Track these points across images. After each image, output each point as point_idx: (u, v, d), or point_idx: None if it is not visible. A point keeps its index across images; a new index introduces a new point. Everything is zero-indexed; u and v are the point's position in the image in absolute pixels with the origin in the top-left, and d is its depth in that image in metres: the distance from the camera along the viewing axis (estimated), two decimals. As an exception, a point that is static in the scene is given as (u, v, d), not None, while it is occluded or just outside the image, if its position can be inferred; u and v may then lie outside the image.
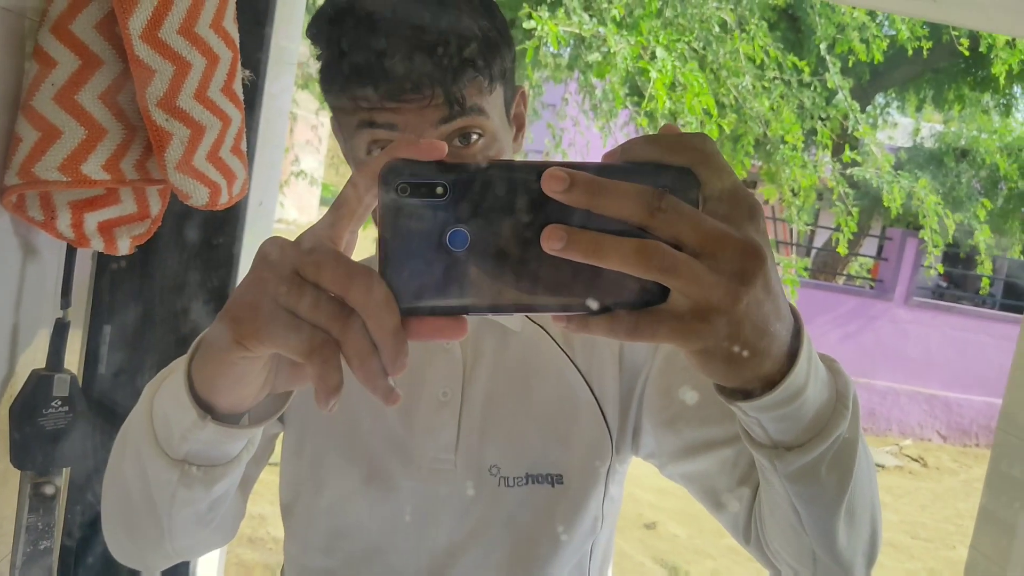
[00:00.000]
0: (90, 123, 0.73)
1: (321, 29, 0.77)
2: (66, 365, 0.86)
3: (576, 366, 0.89)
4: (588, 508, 0.87)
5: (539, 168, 0.42)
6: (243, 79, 0.81)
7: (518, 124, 0.87)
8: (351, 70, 0.76)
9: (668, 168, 0.44)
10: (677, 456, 0.84)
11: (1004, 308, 11.01)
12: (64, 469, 0.89)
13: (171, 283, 1.42)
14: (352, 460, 0.86)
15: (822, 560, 0.65)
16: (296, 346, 0.44)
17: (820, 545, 0.63)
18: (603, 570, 0.95)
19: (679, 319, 0.43)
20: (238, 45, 0.80)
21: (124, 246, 0.83)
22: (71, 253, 0.84)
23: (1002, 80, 5.17)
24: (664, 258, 0.41)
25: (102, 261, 1.06)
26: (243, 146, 0.82)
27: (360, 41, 0.75)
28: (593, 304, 0.44)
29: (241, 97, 0.81)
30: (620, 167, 0.44)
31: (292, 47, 1.98)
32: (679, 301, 0.43)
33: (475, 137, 0.78)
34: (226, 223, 1.71)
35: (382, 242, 0.42)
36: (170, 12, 0.73)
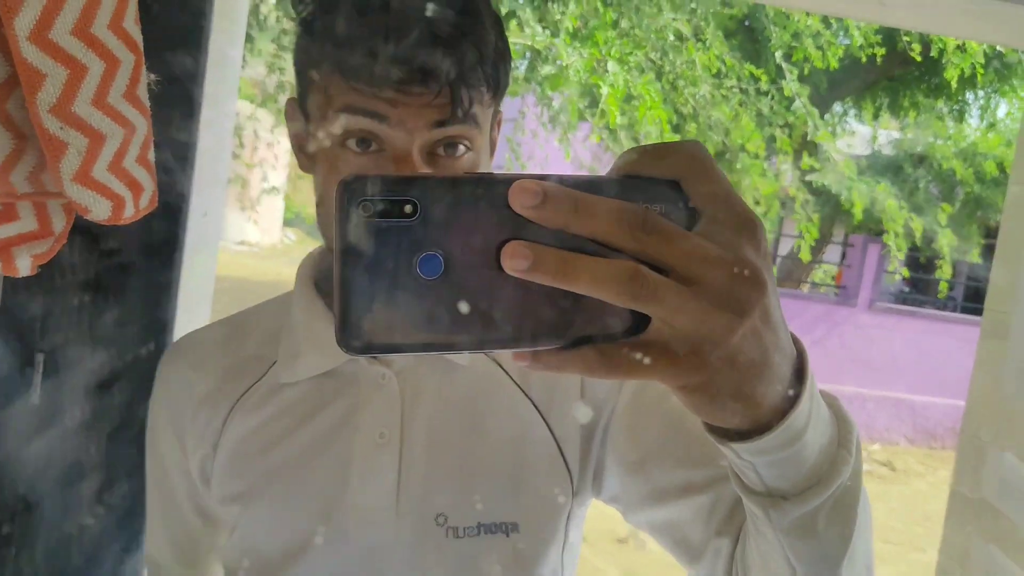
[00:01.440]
0: (-26, 133, 0.67)
1: None
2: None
3: (532, 401, 0.81)
4: (546, 559, 0.79)
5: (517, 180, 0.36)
6: (149, 84, 0.76)
7: (492, 146, 0.81)
8: (353, 43, 0.68)
9: (654, 181, 0.39)
10: (645, 501, 0.76)
11: (966, 311, 11.16)
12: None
13: (107, 300, 1.35)
14: (284, 515, 0.78)
15: None
16: None
17: None
18: None
19: (662, 353, 0.37)
20: (141, 48, 0.74)
21: (24, 266, 0.76)
22: (-34, 275, 0.78)
23: (954, 84, 5.24)
24: (644, 283, 0.35)
25: (23, 281, 1.00)
26: (150, 156, 0.76)
27: (369, 14, 0.67)
28: (563, 338, 0.38)
29: (147, 104, 0.76)
30: (601, 181, 0.38)
31: (234, 53, 1.93)
32: (663, 331, 0.37)
33: (463, 149, 0.72)
34: (167, 236, 1.66)
35: (340, 269, 0.36)
36: (61, 11, 0.68)
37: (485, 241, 0.37)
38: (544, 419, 0.81)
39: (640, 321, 0.38)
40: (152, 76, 0.76)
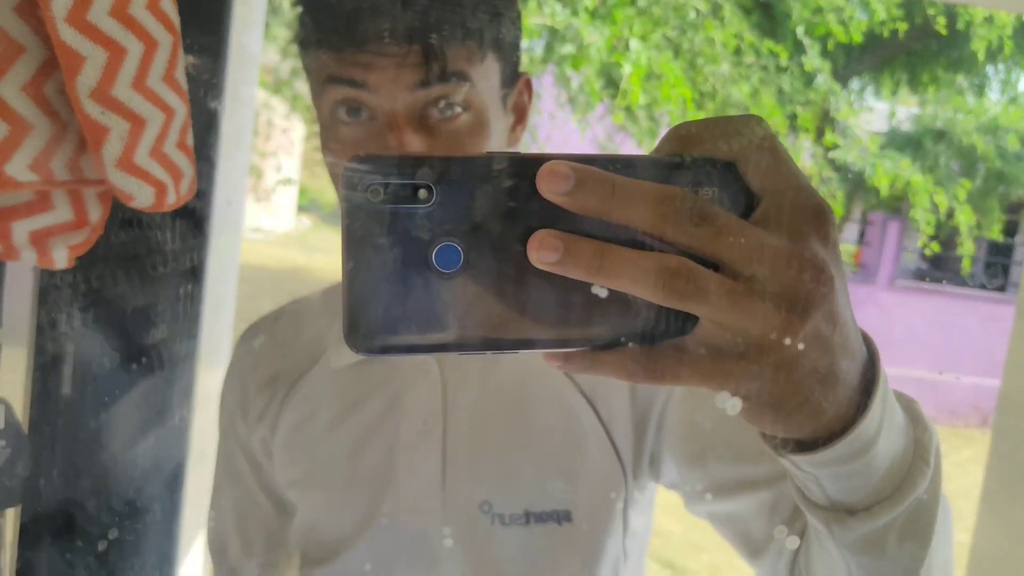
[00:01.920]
0: (12, 118, 0.65)
1: None
2: (2, 393, 0.78)
3: (578, 386, 0.78)
4: (605, 548, 0.76)
5: (547, 161, 0.32)
6: (188, 67, 0.73)
7: (518, 114, 0.77)
8: (323, 17, 0.68)
9: (706, 162, 0.34)
10: (704, 494, 0.73)
11: (987, 288, 11.05)
12: (8, 510, 0.80)
13: (133, 295, 1.33)
14: (336, 502, 0.79)
15: None
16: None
17: None
18: None
19: (711, 358, 0.34)
20: (179, 29, 0.72)
21: (61, 258, 0.75)
22: (0, 267, 0.76)
23: (981, 56, 5.14)
24: (690, 279, 0.32)
25: (49, 274, 0.98)
26: (189, 141, 0.74)
27: None
28: (598, 338, 0.34)
29: (185, 87, 0.73)
30: (643, 161, 0.34)
31: (253, 42, 1.91)
32: (713, 333, 0.33)
33: (458, 110, 0.68)
34: (193, 226, 1.64)
35: (348, 260, 0.32)
36: (99, -9, 0.65)
37: (510, 230, 0.33)
38: (592, 405, 0.78)
39: (686, 321, 0.34)
40: (191, 59, 0.74)
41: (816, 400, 0.36)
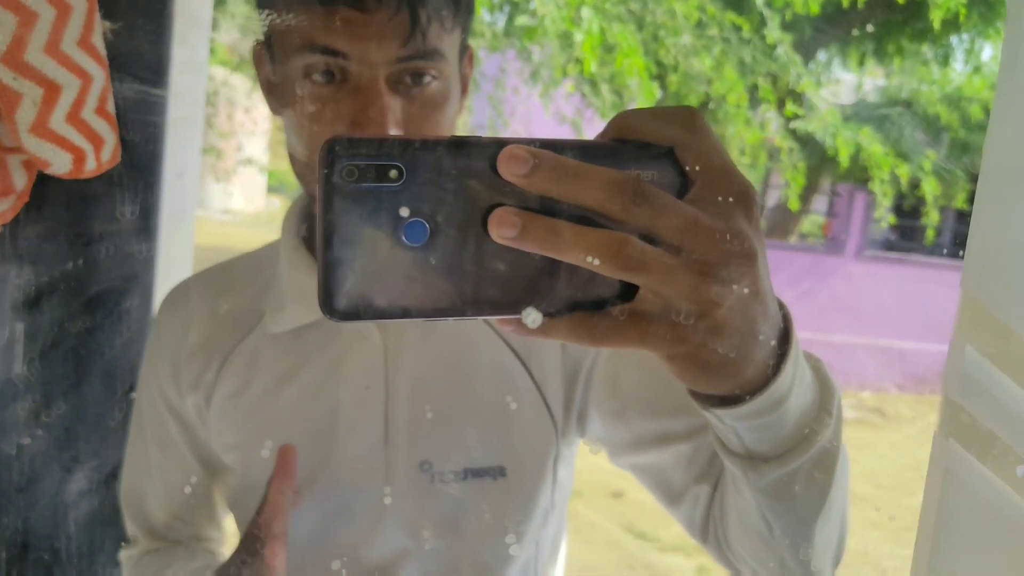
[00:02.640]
0: (-78, 85, 0.65)
1: None
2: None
3: (513, 349, 0.81)
4: (537, 500, 0.80)
5: (507, 146, 0.36)
6: (105, 32, 0.73)
7: (463, 84, 0.80)
8: None
9: (647, 148, 0.38)
10: (627, 447, 0.77)
11: (954, 256, 11.19)
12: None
13: (74, 264, 1.32)
14: (271, 466, 0.80)
15: (790, 566, 0.59)
16: None
17: (790, 554, 0.57)
18: (554, 556, 0.88)
19: (649, 322, 0.37)
20: (94, -7, 0.72)
21: (-14, 225, 0.75)
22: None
23: (937, 26, 5.19)
24: (632, 253, 0.35)
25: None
26: (110, 107, 0.74)
27: None
28: (549, 305, 0.38)
29: (104, 53, 0.73)
30: (592, 146, 0.38)
31: (204, 12, 1.89)
32: (650, 300, 0.37)
33: (429, 79, 0.71)
34: (143, 196, 1.63)
35: (323, 234, 0.35)
36: (7, -44, 0.65)
37: (472, 207, 0.36)
38: (525, 366, 0.81)
39: (628, 290, 0.38)
40: (108, 24, 0.74)
41: (738, 360, 0.41)
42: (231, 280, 0.89)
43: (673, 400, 0.74)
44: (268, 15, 0.74)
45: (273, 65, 0.76)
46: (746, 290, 0.38)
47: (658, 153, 0.38)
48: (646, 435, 0.75)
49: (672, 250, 0.36)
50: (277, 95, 0.77)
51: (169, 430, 0.88)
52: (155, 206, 1.67)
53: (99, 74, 0.74)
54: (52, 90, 0.69)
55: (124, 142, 0.77)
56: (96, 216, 1.64)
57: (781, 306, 0.44)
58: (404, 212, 0.35)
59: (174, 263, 1.81)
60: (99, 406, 1.35)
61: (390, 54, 0.69)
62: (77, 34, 0.71)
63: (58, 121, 0.70)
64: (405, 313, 0.36)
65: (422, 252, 0.36)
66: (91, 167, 0.73)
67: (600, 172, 0.36)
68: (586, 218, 0.36)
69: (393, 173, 0.35)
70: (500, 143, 0.36)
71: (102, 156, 0.75)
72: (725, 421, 0.46)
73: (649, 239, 0.36)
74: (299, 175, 0.78)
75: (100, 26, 0.74)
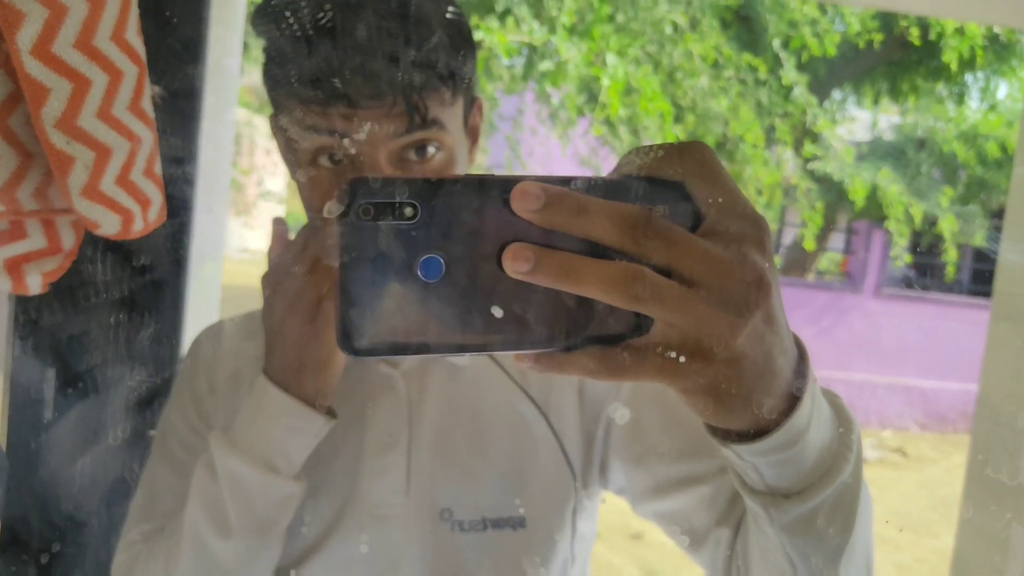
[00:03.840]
0: (-21, 151, 0.66)
1: (270, 18, 0.71)
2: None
3: (532, 399, 0.82)
4: (556, 551, 0.80)
5: (520, 182, 0.36)
6: (154, 96, 0.75)
7: (473, 136, 0.81)
8: (303, 67, 0.70)
9: (658, 183, 0.39)
10: (649, 494, 0.77)
11: (972, 293, 11.12)
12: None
13: (143, 317, 1.35)
14: (300, 512, 0.80)
15: None
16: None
17: None
18: None
19: (665, 355, 0.37)
20: (144, 59, 0.74)
21: (35, 284, 0.76)
22: (-25, 295, 0.77)
23: (953, 67, 5.21)
24: (648, 285, 0.36)
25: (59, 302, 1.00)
26: (157, 169, 0.75)
27: (315, 36, 0.69)
28: (565, 340, 0.38)
29: (152, 116, 0.75)
30: (603, 182, 0.38)
31: (232, 62, 1.93)
32: (666, 334, 0.37)
33: (432, 151, 0.73)
34: (172, 238, 1.65)
35: (341, 271, 0.36)
36: (63, 24, 0.67)
37: (487, 243, 0.37)
38: (544, 415, 0.82)
39: (643, 323, 0.38)
40: (156, 89, 0.76)
41: (756, 393, 0.40)
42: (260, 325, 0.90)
43: (694, 443, 0.74)
44: (274, 97, 0.77)
45: (284, 140, 0.78)
46: (761, 321, 0.38)
47: (669, 187, 0.39)
48: (668, 479, 0.75)
49: (686, 282, 0.37)
50: (291, 165, 0.80)
51: (198, 436, 0.87)
52: (185, 244, 1.70)
53: (148, 137, 0.75)
54: (103, 154, 0.70)
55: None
56: (177, 314, 1.68)
57: (796, 339, 0.44)
58: (420, 249, 0.36)
59: (204, 301, 1.83)
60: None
61: (389, 130, 0.71)
62: (128, 99, 0.72)
63: (108, 184, 0.71)
64: (421, 349, 0.37)
65: (438, 288, 0.36)
66: (138, 228, 0.75)
67: (611, 207, 0.36)
68: (600, 253, 0.37)
69: (408, 211, 0.36)
70: (513, 180, 0.37)
71: (149, 216, 0.76)
72: (745, 457, 0.46)
73: (663, 273, 0.37)
74: None
75: (149, 90, 0.75)
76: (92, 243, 1.12)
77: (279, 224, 0.78)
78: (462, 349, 0.37)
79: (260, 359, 0.87)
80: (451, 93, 0.73)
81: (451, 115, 0.74)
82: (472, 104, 0.80)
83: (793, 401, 0.43)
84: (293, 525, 0.80)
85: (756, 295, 0.38)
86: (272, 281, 0.75)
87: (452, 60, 0.73)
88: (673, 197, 0.39)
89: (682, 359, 0.38)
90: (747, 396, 0.40)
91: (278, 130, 0.80)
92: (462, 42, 0.75)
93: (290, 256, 0.74)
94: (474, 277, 0.37)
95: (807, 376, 0.44)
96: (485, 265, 0.37)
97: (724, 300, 0.37)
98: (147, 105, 0.76)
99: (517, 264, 0.36)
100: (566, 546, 0.82)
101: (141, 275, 1.46)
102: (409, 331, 0.37)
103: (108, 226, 0.71)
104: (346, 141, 0.71)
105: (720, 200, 0.39)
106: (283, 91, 0.73)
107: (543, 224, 0.36)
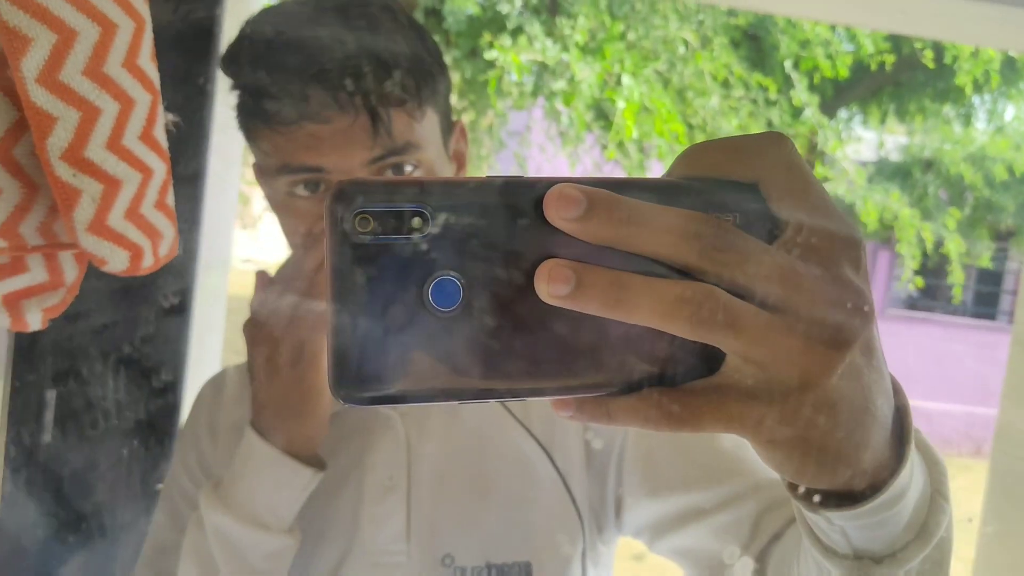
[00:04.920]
0: (-20, 183, 0.62)
1: (231, 62, 0.73)
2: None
3: (535, 438, 0.79)
4: None
5: (555, 184, 0.29)
6: (168, 124, 0.71)
7: (459, 161, 0.79)
8: (265, 99, 0.70)
9: (728, 185, 0.31)
10: (664, 529, 0.74)
11: (977, 316, 11.08)
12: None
13: (117, 325, 1.31)
14: (300, 557, 0.77)
15: None
16: None
17: None
18: None
19: (741, 399, 0.30)
20: (158, 87, 0.70)
21: (34, 320, 0.72)
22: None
23: (968, 90, 5.19)
24: (719, 308, 0.29)
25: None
26: (170, 200, 0.71)
27: (272, 67, 0.69)
28: (614, 382, 0.31)
29: (165, 146, 0.71)
30: (659, 185, 0.31)
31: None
32: (742, 371, 0.30)
33: (409, 169, 0.71)
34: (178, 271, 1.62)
35: (333, 300, 0.28)
36: (72, 50, 0.63)
37: (514, 261, 0.30)
38: (548, 455, 0.79)
39: (711, 358, 0.31)
40: (171, 117, 0.72)
41: (854, 444, 0.33)
42: None
43: (709, 469, 0.71)
44: (250, 143, 0.77)
45: (265, 184, 0.78)
46: (860, 354, 0.31)
47: (741, 189, 0.32)
48: (684, 511, 0.72)
49: (767, 306, 0.30)
50: (269, 208, 0.81)
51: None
52: (193, 253, 1.68)
53: (160, 168, 0.71)
54: (112, 186, 0.67)
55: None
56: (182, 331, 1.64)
57: (893, 381, 0.37)
58: (430, 269, 0.29)
59: (211, 310, 1.80)
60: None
61: (363, 157, 0.69)
62: (139, 128, 0.69)
63: (116, 218, 0.67)
64: (433, 396, 0.30)
65: (453, 319, 0.29)
66: (148, 263, 0.71)
67: (670, 213, 0.29)
68: (656, 272, 0.30)
69: (416, 221, 0.29)
70: (547, 182, 0.29)
71: (160, 251, 0.72)
72: (835, 522, 0.38)
73: (737, 295, 0.30)
74: None
75: (163, 118, 0.72)
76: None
77: (262, 276, 0.76)
78: (484, 395, 0.30)
79: None
80: (417, 108, 0.71)
81: (423, 133, 0.72)
82: (452, 128, 0.79)
83: (897, 456, 0.36)
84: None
85: (854, 322, 0.30)
86: (251, 327, 0.74)
87: (415, 73, 0.71)
88: (744, 202, 0.31)
89: (762, 404, 0.31)
90: (844, 448, 0.33)
91: (260, 175, 0.80)
92: (427, 57, 0.74)
93: (269, 298, 0.73)
94: (498, 303, 0.30)
95: (907, 422, 0.37)
96: (513, 288, 0.30)
97: (815, 329, 0.30)
98: (160, 134, 0.72)
99: (554, 286, 0.29)
100: None
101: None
102: (418, 374, 0.29)
103: (116, 263, 0.67)
104: (319, 175, 0.71)
105: (804, 205, 0.31)
106: (254, 126, 0.73)
107: (584, 236, 0.29)
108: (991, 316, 10.72)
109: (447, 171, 0.76)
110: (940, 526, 0.41)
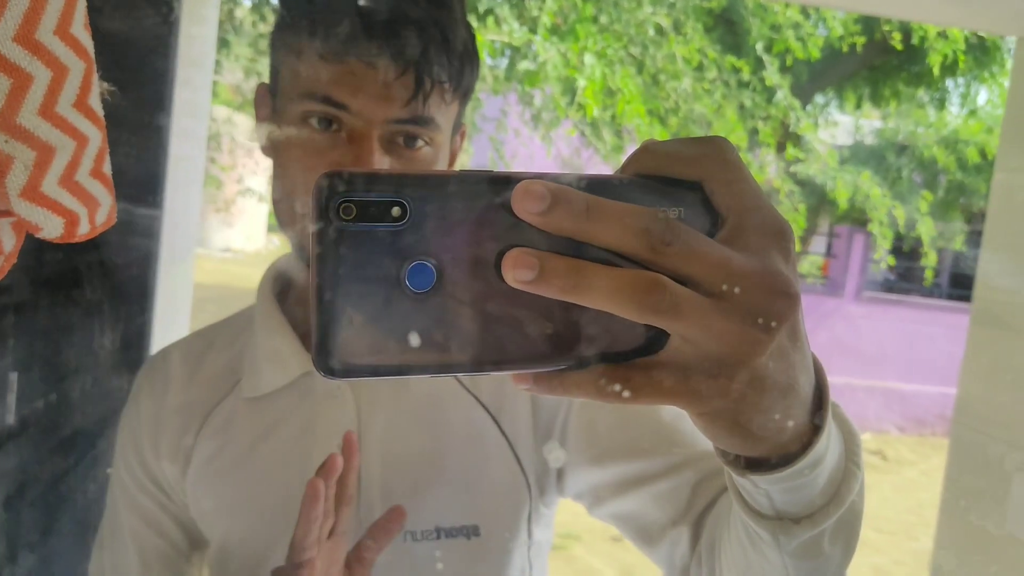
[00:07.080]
0: (-89, 149, 0.63)
1: None
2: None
3: (483, 405, 0.80)
4: (512, 559, 0.79)
5: (522, 180, 0.32)
6: (103, 92, 0.71)
7: (452, 158, 0.81)
8: (326, 12, 0.69)
9: (674, 183, 0.35)
10: (605, 495, 0.76)
11: (952, 298, 11.22)
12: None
13: (79, 307, 1.30)
14: (253, 528, 0.78)
15: None
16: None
17: None
18: None
19: (682, 375, 0.33)
20: (92, 54, 0.70)
21: (-27, 289, 0.72)
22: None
23: (936, 71, 5.23)
24: (664, 296, 0.32)
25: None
26: (106, 169, 0.71)
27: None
28: (569, 358, 0.34)
29: (101, 114, 0.71)
30: (613, 181, 0.34)
31: (205, 56, 1.89)
32: (683, 350, 0.33)
33: (421, 144, 0.72)
34: (141, 246, 1.61)
35: (317, 280, 0.31)
36: (3, 17, 0.63)
37: (484, 248, 0.33)
38: (496, 421, 0.80)
39: (656, 339, 0.34)
40: (106, 85, 0.72)
41: (779, 417, 0.37)
42: (209, 345, 0.89)
43: (646, 440, 0.73)
44: (278, 58, 0.75)
45: (274, 106, 0.77)
46: (787, 337, 0.35)
47: (685, 188, 0.35)
48: (625, 478, 0.74)
49: (706, 293, 0.33)
50: (272, 135, 0.79)
51: (147, 497, 0.85)
52: (155, 245, 1.66)
53: (96, 136, 0.72)
54: (45, 153, 0.67)
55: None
56: (145, 314, 1.61)
57: (814, 360, 0.41)
58: (407, 254, 0.32)
59: (175, 299, 1.79)
60: (69, 559, 1.27)
61: (388, 113, 0.69)
62: (73, 96, 0.69)
63: (50, 185, 0.67)
64: (406, 370, 0.33)
65: (427, 299, 0.32)
66: (84, 230, 0.71)
67: (624, 209, 0.32)
68: (608, 261, 0.33)
69: (396, 211, 0.32)
70: (514, 178, 0.33)
71: (96, 219, 0.72)
72: (760, 485, 0.42)
73: (679, 282, 0.33)
74: (281, 221, 0.78)
75: (98, 87, 0.72)
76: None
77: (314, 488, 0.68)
78: (452, 369, 0.33)
79: (217, 376, 0.85)
80: (452, 93, 0.73)
81: (445, 117, 0.74)
82: (458, 128, 0.81)
83: (815, 426, 0.40)
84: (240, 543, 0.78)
85: (783, 308, 0.33)
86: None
87: (464, 59, 0.73)
88: (689, 199, 0.35)
89: (701, 379, 0.34)
90: (770, 420, 0.37)
91: (265, 98, 0.79)
92: (472, 49, 0.76)
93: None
94: (469, 287, 0.33)
95: (825, 396, 0.40)
96: (482, 273, 0.33)
97: (748, 313, 0.33)
98: (95, 102, 0.72)
99: (518, 271, 0.32)
100: (522, 554, 0.81)
101: (107, 272, 1.42)
102: (393, 350, 0.32)
103: (50, 229, 0.67)
104: (342, 112, 0.70)
105: (741, 203, 0.35)
106: (295, 45, 0.72)
107: (547, 227, 0.32)
108: (967, 298, 10.86)
109: (444, 162, 0.78)
110: (852, 491, 0.45)
